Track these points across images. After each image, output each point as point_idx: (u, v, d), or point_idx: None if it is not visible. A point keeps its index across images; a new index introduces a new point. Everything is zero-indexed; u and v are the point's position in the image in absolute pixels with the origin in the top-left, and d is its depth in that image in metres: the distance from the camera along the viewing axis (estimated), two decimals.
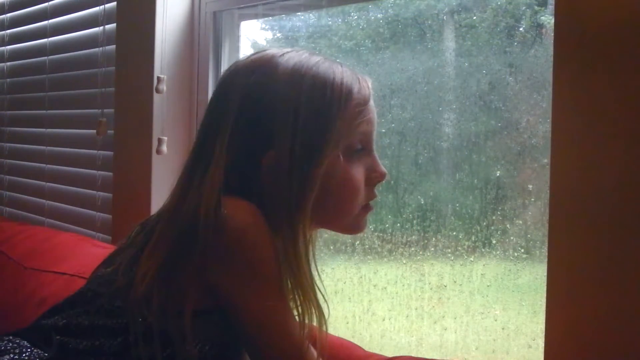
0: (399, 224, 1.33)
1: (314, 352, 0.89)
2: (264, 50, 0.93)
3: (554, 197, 0.93)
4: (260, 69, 0.89)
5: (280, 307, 0.86)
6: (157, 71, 1.62)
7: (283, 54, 0.90)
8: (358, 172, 0.91)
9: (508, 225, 1.18)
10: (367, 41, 1.44)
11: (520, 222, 1.17)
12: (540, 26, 1.17)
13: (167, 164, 1.62)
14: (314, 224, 0.90)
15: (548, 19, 1.14)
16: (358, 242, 1.37)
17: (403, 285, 1.31)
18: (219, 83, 0.95)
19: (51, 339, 0.89)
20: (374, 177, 0.93)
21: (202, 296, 0.84)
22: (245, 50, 1.65)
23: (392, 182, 1.33)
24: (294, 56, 0.90)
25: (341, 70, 0.90)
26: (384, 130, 1.31)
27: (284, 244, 0.85)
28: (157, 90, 1.58)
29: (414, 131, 1.31)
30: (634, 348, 0.86)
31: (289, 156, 0.85)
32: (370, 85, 0.93)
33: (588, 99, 0.90)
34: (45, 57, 2.15)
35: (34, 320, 0.96)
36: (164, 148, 1.58)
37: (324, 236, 0.99)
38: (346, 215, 0.92)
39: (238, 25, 1.64)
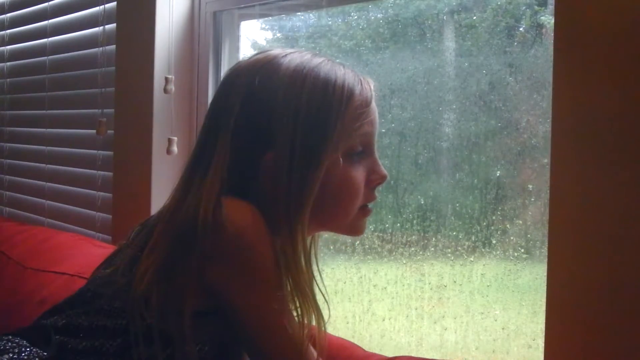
0: (399, 224, 1.33)
1: (314, 353, 0.89)
2: (267, 51, 0.92)
3: (554, 197, 0.93)
4: (262, 69, 0.89)
5: (279, 308, 0.86)
6: (158, 71, 1.62)
7: (286, 55, 0.90)
8: (358, 174, 0.90)
9: (508, 225, 1.18)
10: (367, 41, 1.44)
11: (520, 222, 1.17)
12: (540, 26, 1.17)
13: (167, 164, 1.62)
14: (313, 226, 0.89)
15: (548, 19, 1.14)
16: (358, 242, 1.37)
17: (403, 285, 1.31)
18: (222, 83, 0.94)
19: (50, 339, 0.88)
20: (374, 179, 0.93)
21: (201, 297, 0.84)
22: (245, 50, 1.65)
23: (392, 182, 1.33)
24: (296, 57, 0.90)
25: (343, 72, 0.90)
26: (384, 130, 1.31)
27: (283, 245, 0.85)
28: (166, 91, 1.58)
29: (414, 131, 1.31)
30: (634, 348, 0.86)
31: (288, 157, 0.85)
32: (372, 87, 0.92)
33: (588, 99, 0.90)
34: (45, 57, 2.15)
35: (34, 320, 0.96)
36: (174, 148, 1.58)
37: (324, 236, 0.99)
38: (344, 217, 0.92)
39: (238, 25, 1.64)
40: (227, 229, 0.82)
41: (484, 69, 1.21)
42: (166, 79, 1.58)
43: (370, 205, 0.95)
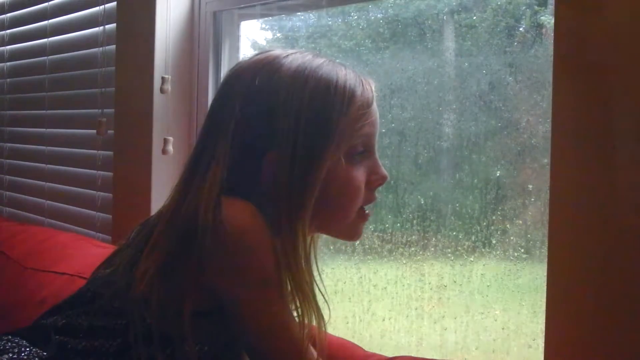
0: (399, 224, 1.33)
1: (314, 353, 0.89)
2: (268, 51, 0.92)
3: (554, 197, 0.93)
4: (263, 70, 0.89)
5: (279, 308, 0.86)
6: (158, 71, 1.62)
7: (287, 55, 0.90)
8: (359, 175, 0.90)
9: (508, 225, 1.18)
10: (367, 41, 1.44)
11: (520, 222, 1.17)
12: (540, 26, 1.17)
13: (167, 164, 1.62)
14: (312, 227, 0.89)
15: (548, 19, 1.14)
16: (358, 242, 1.37)
17: (403, 285, 1.31)
18: (222, 83, 0.94)
19: (50, 339, 0.89)
20: (374, 180, 0.93)
21: (201, 297, 0.84)
22: (245, 50, 1.65)
23: (392, 182, 1.33)
24: (297, 58, 0.90)
25: (344, 73, 0.90)
26: (384, 130, 1.31)
27: (284, 246, 0.85)
28: (162, 91, 1.58)
29: (414, 131, 1.31)
30: (634, 348, 0.86)
31: (290, 158, 0.85)
32: (373, 88, 0.92)
33: (588, 99, 0.90)
34: (45, 57, 2.15)
35: (34, 320, 0.96)
36: (170, 148, 1.58)
37: (323, 236, 0.99)
38: (344, 218, 0.92)
39: (238, 25, 1.64)
40: (227, 229, 0.82)
41: (484, 69, 1.21)
42: (162, 79, 1.58)
43: (369, 207, 0.95)
